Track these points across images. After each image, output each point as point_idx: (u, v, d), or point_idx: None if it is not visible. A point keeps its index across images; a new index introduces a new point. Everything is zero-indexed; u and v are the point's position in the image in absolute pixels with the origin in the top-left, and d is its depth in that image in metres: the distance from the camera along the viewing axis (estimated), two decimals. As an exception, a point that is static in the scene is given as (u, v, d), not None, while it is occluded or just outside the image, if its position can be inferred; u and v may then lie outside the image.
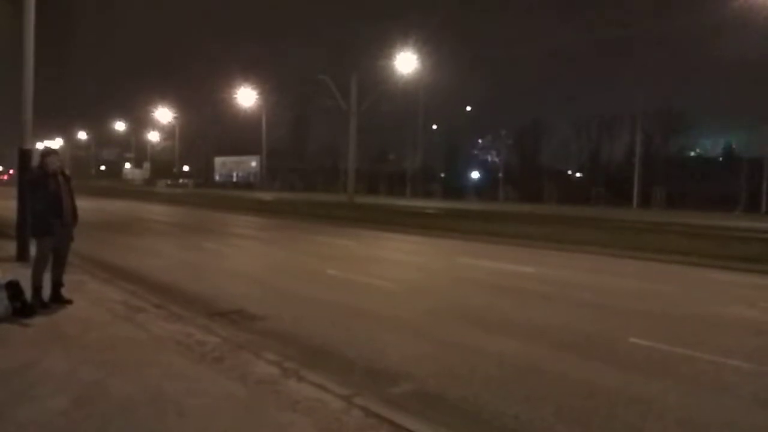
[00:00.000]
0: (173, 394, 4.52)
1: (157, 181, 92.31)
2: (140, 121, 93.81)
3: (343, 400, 4.50)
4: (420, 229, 21.19)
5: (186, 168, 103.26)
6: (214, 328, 6.65)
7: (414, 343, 6.53)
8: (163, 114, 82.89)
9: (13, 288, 6.79)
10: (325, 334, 6.74)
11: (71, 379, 4.80)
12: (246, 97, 60.12)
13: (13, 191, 10.94)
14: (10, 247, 11.06)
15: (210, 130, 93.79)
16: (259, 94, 62.01)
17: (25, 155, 10.67)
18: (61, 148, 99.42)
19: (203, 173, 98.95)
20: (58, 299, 7.33)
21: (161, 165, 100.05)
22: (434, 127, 78.73)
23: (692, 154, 61.71)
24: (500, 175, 65.19)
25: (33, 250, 7.58)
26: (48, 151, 7.31)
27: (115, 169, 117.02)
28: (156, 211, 31.94)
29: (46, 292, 7.23)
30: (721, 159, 59.91)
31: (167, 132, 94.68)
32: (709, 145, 62.62)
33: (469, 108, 79.74)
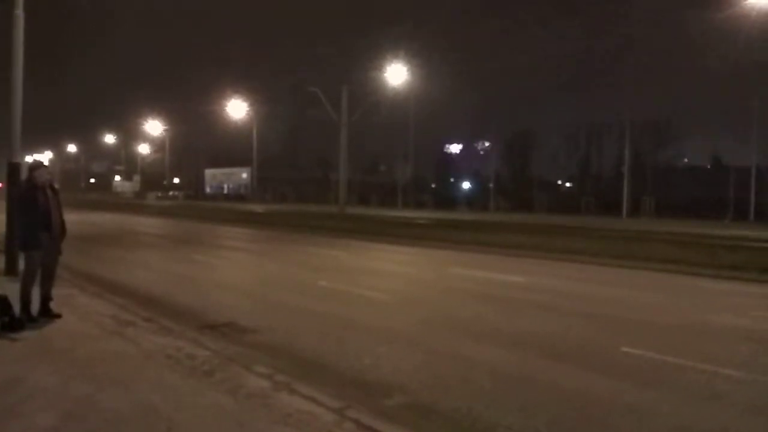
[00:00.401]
0: (163, 408, 4.48)
1: (148, 193, 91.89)
2: (130, 134, 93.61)
3: (335, 412, 4.47)
4: (411, 239, 21.20)
5: (176, 180, 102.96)
6: (204, 341, 6.60)
7: (406, 355, 6.51)
8: (154, 126, 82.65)
9: (1, 302, 6.72)
10: (317, 346, 6.71)
11: (60, 395, 4.75)
12: (236, 108, 60.08)
13: (2, 205, 10.85)
14: (-1, 261, 10.96)
15: (200, 142, 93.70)
16: (250, 105, 62.03)
17: (14, 168, 10.59)
18: (51, 161, 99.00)
19: (194, 185, 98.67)
20: (47, 313, 7.26)
21: (151, 177, 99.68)
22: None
23: (681, 163, 62.27)
24: (491, 185, 65.37)
25: (22, 264, 7.51)
26: (36, 165, 7.27)
27: (104, 181, 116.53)
28: (146, 223, 31.78)
29: (35, 306, 7.16)
30: (709, 168, 60.46)
31: (157, 144, 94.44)
32: (697, 154, 63.22)
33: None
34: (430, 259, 16.22)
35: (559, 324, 8.01)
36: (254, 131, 71.71)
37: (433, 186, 78.66)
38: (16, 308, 6.86)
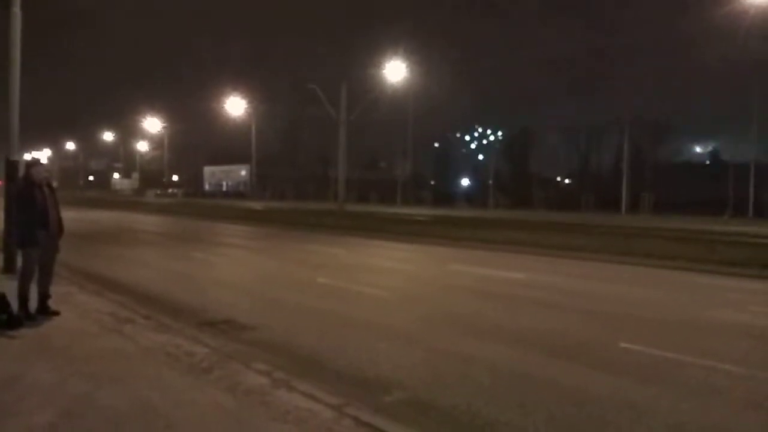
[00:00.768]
0: (161, 406, 4.47)
1: (146, 191, 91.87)
2: (129, 131, 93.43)
3: (333, 409, 4.46)
4: (411, 236, 21.19)
5: (175, 178, 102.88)
6: (203, 338, 6.59)
7: (405, 351, 6.50)
8: (152, 123, 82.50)
9: (-1, 300, 6.71)
10: (316, 344, 6.70)
11: (58, 392, 4.73)
12: (235, 106, 59.99)
13: (1, 202, 10.84)
14: (-3, 259, 10.94)
15: (199, 140, 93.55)
16: (249, 102, 61.95)
17: (12, 166, 10.57)
18: (49, 158, 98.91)
19: (192, 183, 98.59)
20: (45, 311, 7.25)
21: (150, 175, 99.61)
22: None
23: (680, 159, 62.28)
24: (490, 181, 65.39)
25: (20, 261, 7.49)
26: (33, 162, 7.24)
27: (103, 179, 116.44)
28: (145, 221, 31.76)
29: (33, 304, 7.15)
30: (708, 164, 60.48)
31: (156, 142, 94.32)
32: (696, 150, 63.27)
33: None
34: (430, 256, 16.21)
35: (559, 320, 8.01)
36: (253, 128, 71.68)
37: (432, 183, 78.67)
38: (15, 306, 6.85)
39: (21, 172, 8.88)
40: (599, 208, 51.99)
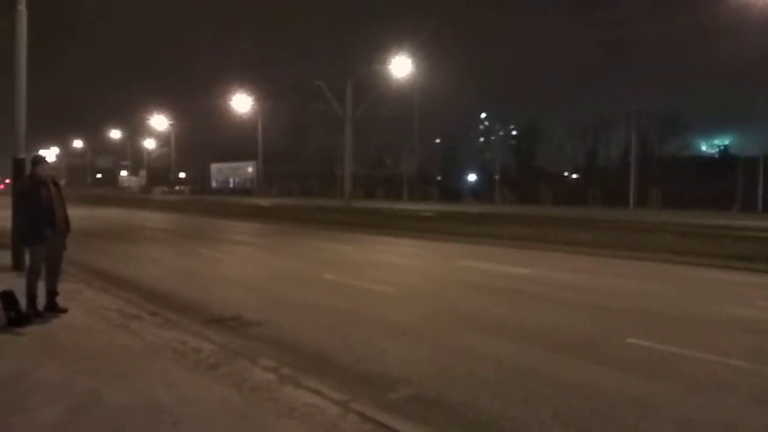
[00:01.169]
0: (168, 402, 4.49)
1: (154, 188, 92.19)
2: (136, 129, 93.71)
3: (339, 405, 4.48)
4: (417, 232, 21.18)
5: (182, 175, 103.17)
6: (210, 335, 6.61)
7: (412, 347, 6.50)
8: (159, 121, 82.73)
9: (7, 298, 6.77)
10: (322, 340, 6.71)
11: (66, 389, 4.77)
12: (242, 103, 60.03)
13: (9, 200, 10.91)
14: (6, 257, 11.01)
15: (206, 137, 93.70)
16: (255, 99, 61.99)
17: (19, 164, 10.63)
18: (57, 156, 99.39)
19: (199, 180, 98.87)
20: (53, 308, 7.29)
21: (157, 172, 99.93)
22: (437, 141, 79.25)
23: (688, 154, 61.90)
24: (496, 177, 65.23)
25: (28, 259, 7.53)
26: (38, 159, 7.26)
27: (111, 176, 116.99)
28: (152, 218, 31.87)
29: (41, 301, 7.19)
30: (717, 158, 60.09)
31: (163, 139, 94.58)
32: (704, 144, 62.90)
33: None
34: (436, 252, 16.21)
35: (565, 316, 7.99)
36: (259, 125, 71.75)
37: (438, 179, 78.55)
38: (23, 303, 6.90)
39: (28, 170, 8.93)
40: (606, 203, 51.78)
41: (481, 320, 7.78)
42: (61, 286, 7.59)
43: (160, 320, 7.19)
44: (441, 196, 66.66)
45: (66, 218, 7.35)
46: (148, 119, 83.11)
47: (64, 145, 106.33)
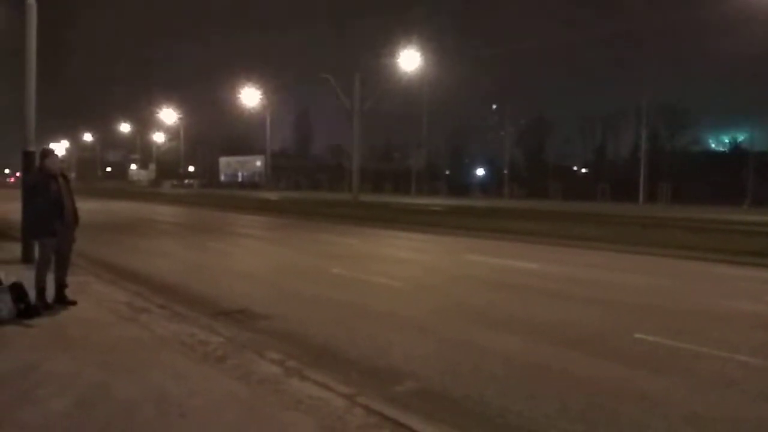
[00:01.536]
0: (176, 394, 4.52)
1: (163, 181, 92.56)
2: (145, 123, 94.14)
3: (345, 398, 4.49)
4: (425, 226, 21.16)
5: (191, 168, 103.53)
6: (218, 327, 6.64)
7: (418, 342, 6.51)
8: (168, 115, 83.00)
9: (17, 290, 6.80)
10: (329, 333, 6.73)
11: (74, 381, 4.80)
12: (250, 96, 60.13)
13: (20, 193, 10.98)
14: (16, 249, 11.10)
15: (215, 131, 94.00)
16: (263, 93, 62.05)
17: (28, 157, 10.69)
18: (67, 150, 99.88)
19: (208, 173, 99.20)
20: (62, 300, 7.34)
21: (166, 166, 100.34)
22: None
23: (698, 149, 61.48)
24: (505, 171, 65.05)
25: (37, 251, 7.58)
26: (47, 152, 7.29)
27: (120, 170, 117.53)
28: (161, 211, 32.01)
29: (50, 293, 7.23)
30: (727, 153, 59.65)
31: (172, 133, 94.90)
32: (715, 139, 62.43)
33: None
34: (444, 246, 16.19)
35: (572, 311, 7.97)
36: (268, 119, 71.87)
37: (447, 173, 78.42)
38: (32, 295, 6.94)
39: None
40: (616, 197, 51.55)
41: (488, 315, 7.77)
42: (71, 279, 7.64)
43: (168, 313, 7.22)
44: (449, 190, 66.60)
45: (75, 211, 7.38)
46: (157, 113, 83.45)
47: (74, 138, 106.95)
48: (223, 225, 23.31)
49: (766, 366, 5.74)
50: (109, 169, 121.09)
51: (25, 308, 6.75)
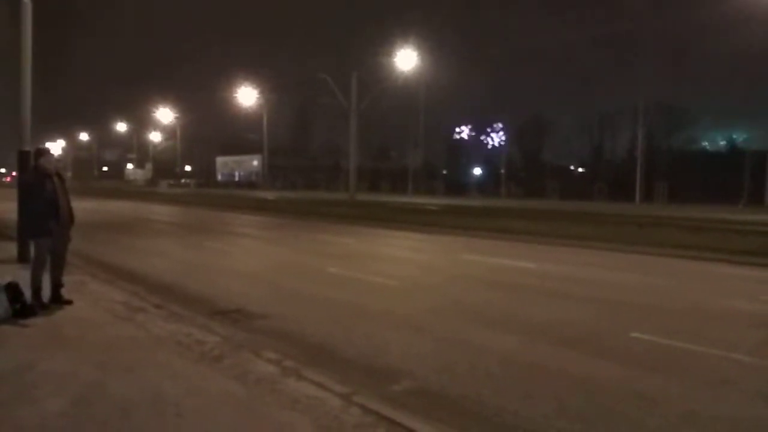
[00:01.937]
0: (172, 394, 4.51)
1: (160, 181, 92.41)
2: (142, 122, 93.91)
3: (342, 398, 4.48)
4: (422, 226, 21.15)
5: (188, 168, 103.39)
6: (214, 327, 6.63)
7: (415, 341, 6.50)
8: (165, 114, 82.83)
9: (12, 290, 6.78)
10: (326, 333, 6.72)
11: (70, 380, 4.78)
12: (247, 96, 60.03)
13: (15, 193, 10.96)
14: (12, 249, 11.06)
15: (211, 130, 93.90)
16: (260, 93, 61.99)
17: (24, 157, 10.65)
18: (64, 149, 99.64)
19: (205, 173, 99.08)
20: (58, 300, 7.32)
21: (163, 165, 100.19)
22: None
23: (695, 148, 61.60)
24: (502, 171, 65.10)
25: (32, 251, 7.56)
26: (42, 151, 7.26)
27: (117, 169, 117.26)
28: (158, 211, 31.96)
29: (46, 293, 7.21)
30: (724, 152, 59.78)
31: (169, 132, 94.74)
32: (712, 138, 62.55)
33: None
34: (441, 246, 16.19)
35: (569, 310, 7.98)
36: (264, 119, 71.77)
37: (444, 172, 78.45)
38: (28, 295, 6.92)
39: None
40: (613, 196, 51.63)
41: (485, 314, 7.77)
42: (66, 278, 7.62)
43: (165, 312, 7.20)
44: (446, 189, 66.61)
45: (70, 210, 7.36)
46: (153, 112, 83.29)
47: (70, 137, 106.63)
48: (220, 224, 23.28)
49: (763, 365, 5.75)
50: (105, 168, 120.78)
51: (21, 308, 6.73)
